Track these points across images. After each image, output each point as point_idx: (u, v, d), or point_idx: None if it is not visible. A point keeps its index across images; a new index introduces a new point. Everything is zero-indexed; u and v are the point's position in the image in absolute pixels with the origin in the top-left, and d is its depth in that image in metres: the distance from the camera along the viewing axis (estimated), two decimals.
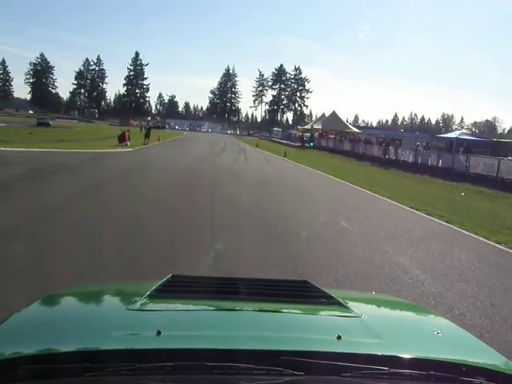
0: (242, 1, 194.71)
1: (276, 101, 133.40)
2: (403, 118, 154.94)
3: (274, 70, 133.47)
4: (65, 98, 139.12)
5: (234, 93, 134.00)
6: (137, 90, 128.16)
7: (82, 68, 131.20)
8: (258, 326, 1.35)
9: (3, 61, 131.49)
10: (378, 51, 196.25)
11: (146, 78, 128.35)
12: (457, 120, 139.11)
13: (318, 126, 61.07)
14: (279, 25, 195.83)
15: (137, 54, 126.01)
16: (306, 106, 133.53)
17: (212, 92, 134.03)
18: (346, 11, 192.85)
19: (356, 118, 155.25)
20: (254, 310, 1.48)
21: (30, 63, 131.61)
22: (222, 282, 2.08)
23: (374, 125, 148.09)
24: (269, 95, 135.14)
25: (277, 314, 1.49)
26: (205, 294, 1.64)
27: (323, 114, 64.89)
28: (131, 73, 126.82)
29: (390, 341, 1.32)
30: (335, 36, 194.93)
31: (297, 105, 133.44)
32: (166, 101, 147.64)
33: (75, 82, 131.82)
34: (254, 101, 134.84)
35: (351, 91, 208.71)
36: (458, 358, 1.22)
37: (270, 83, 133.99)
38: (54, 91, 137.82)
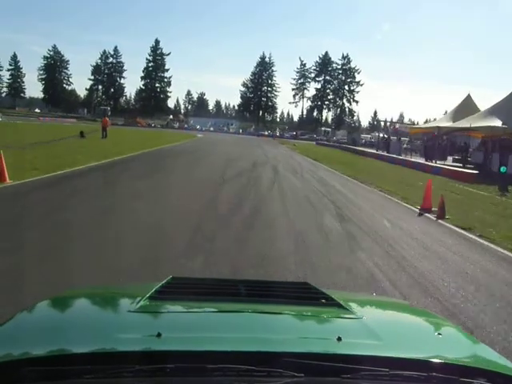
0: (275, 3, 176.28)
1: (320, 95, 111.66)
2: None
3: (318, 59, 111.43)
4: (82, 96, 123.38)
5: (271, 85, 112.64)
6: (157, 84, 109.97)
7: (99, 61, 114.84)
8: (258, 328, 1.36)
9: (14, 55, 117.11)
10: (410, 53, 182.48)
11: (167, 70, 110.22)
12: None
13: (448, 123, 33.98)
14: (312, 27, 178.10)
15: (157, 42, 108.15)
16: (356, 102, 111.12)
17: (244, 85, 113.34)
18: (379, 14, 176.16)
19: (401, 116, 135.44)
20: (254, 312, 1.48)
21: (43, 57, 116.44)
22: (223, 283, 2.10)
23: (421, 123, 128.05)
24: (311, 89, 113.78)
25: (277, 315, 1.49)
26: (205, 296, 1.62)
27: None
28: (150, 64, 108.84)
29: (390, 342, 1.32)
30: (367, 38, 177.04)
31: (345, 100, 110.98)
32: (195, 99, 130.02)
33: (92, 78, 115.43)
34: (294, 95, 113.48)
35: (390, 92, 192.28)
36: (459, 360, 1.23)
37: (312, 75, 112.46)
38: (69, 88, 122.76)
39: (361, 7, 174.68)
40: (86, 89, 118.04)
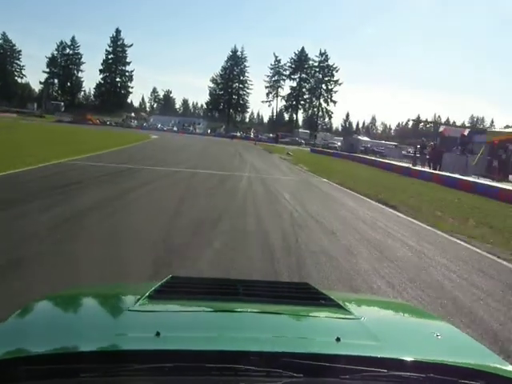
0: (250, 2, 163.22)
1: (295, 94, 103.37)
2: (426, 119, 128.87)
3: (294, 56, 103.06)
4: (37, 90, 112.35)
5: (243, 82, 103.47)
6: (117, 79, 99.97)
7: (56, 53, 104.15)
8: (257, 328, 1.36)
9: None
10: (385, 57, 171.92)
11: (128, 63, 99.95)
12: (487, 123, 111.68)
13: None
14: (287, 27, 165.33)
15: (117, 32, 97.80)
16: (334, 102, 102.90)
17: (213, 80, 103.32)
18: (353, 16, 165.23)
19: (373, 119, 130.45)
20: (254, 312, 1.48)
21: None
22: (222, 283, 2.07)
23: (393, 127, 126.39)
24: (286, 87, 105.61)
25: (276, 315, 1.49)
26: (204, 296, 1.63)
27: None
28: (110, 56, 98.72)
29: (390, 343, 1.32)
30: (341, 40, 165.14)
31: (322, 100, 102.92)
32: (161, 96, 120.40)
33: (47, 70, 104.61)
34: (268, 94, 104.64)
35: (363, 95, 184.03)
36: (458, 361, 1.22)
37: (287, 72, 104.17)
38: (21, 81, 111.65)
39: (338, 8, 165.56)
40: (41, 82, 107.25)
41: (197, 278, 2.48)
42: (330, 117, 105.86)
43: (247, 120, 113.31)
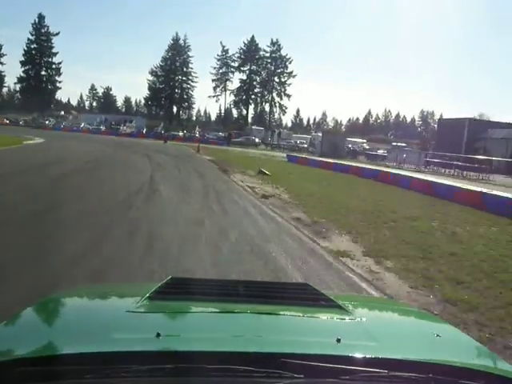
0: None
1: (246, 88, 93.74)
2: (377, 115, 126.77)
3: (243, 46, 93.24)
4: None
5: (186, 74, 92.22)
6: (42, 72, 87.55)
7: None
8: (257, 329, 1.37)
9: None
10: (334, 49, 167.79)
11: (55, 54, 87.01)
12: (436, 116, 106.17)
13: None
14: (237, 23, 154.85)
15: (41, 18, 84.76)
16: (288, 96, 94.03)
17: (153, 72, 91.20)
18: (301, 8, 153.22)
19: (324, 115, 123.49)
20: (254, 313, 1.49)
21: None
22: (222, 284, 2.12)
23: (344, 123, 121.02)
24: (235, 80, 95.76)
25: (276, 316, 1.51)
26: (204, 297, 1.64)
27: None
28: (33, 46, 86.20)
29: (390, 344, 1.34)
30: (290, 32, 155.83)
31: (275, 93, 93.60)
32: (101, 94, 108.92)
33: None
34: (215, 87, 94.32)
35: (314, 91, 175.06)
36: (458, 361, 1.23)
37: (236, 64, 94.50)
38: None
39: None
40: None
41: (197, 279, 2.52)
42: (284, 112, 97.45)
43: (194, 118, 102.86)
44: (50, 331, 1.35)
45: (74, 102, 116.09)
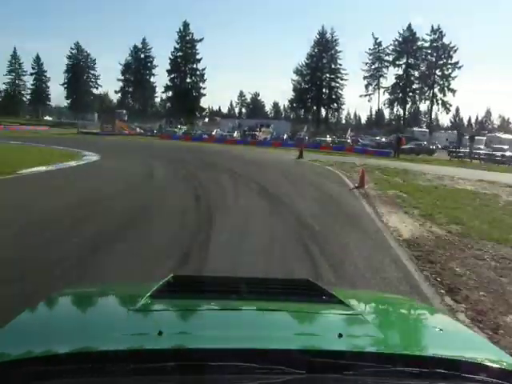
0: None
1: (402, 84, 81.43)
2: None
3: (398, 36, 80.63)
4: (115, 100, 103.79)
5: (334, 72, 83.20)
6: (188, 80, 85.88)
7: (130, 58, 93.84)
8: (259, 326, 1.39)
9: (37, 57, 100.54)
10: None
11: (199, 61, 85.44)
12: None
13: None
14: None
15: (185, 26, 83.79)
16: (453, 92, 78.42)
17: (297, 71, 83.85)
18: None
19: (488, 113, 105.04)
20: (256, 309, 1.52)
21: (66, 56, 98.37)
22: (224, 281, 2.10)
23: None
24: (390, 76, 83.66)
25: (278, 312, 1.51)
26: (206, 294, 1.66)
27: None
28: (178, 54, 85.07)
29: (392, 338, 1.37)
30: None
31: (437, 89, 79.06)
32: (249, 100, 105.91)
33: (122, 78, 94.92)
34: (367, 86, 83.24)
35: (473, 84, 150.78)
36: (460, 355, 1.24)
37: (391, 57, 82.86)
38: (97, 92, 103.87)
39: None
40: (116, 91, 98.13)
41: (198, 277, 2.53)
42: (448, 110, 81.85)
43: (343, 121, 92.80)
44: (53, 331, 1.34)
45: (224, 109, 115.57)
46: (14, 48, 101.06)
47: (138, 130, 61.52)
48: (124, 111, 77.10)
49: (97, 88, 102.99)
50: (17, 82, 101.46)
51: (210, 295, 1.64)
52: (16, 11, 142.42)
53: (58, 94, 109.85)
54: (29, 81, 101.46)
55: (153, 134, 57.70)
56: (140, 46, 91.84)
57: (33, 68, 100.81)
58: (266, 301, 1.58)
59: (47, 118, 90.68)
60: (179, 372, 1.05)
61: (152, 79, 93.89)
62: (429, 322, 1.76)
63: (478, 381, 1.12)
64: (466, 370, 1.13)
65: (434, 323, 1.70)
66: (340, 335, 1.22)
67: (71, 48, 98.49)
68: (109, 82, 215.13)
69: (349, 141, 49.22)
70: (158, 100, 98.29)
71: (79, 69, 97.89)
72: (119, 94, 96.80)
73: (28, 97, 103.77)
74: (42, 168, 16.26)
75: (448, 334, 1.51)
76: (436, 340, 1.43)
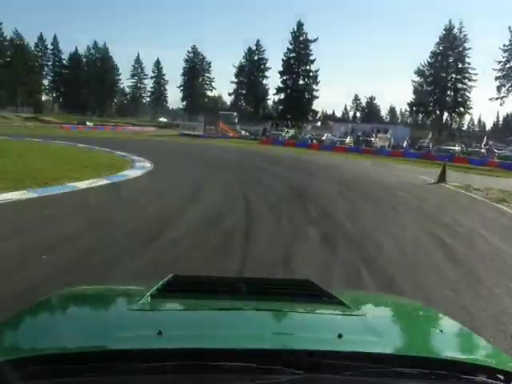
0: None
1: None
2: None
3: None
4: (228, 103, 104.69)
5: (462, 72, 75.18)
6: (300, 82, 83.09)
7: (243, 60, 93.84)
8: (259, 326, 1.38)
9: (157, 61, 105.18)
10: None
11: (312, 62, 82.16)
12: None
13: None
14: None
15: (299, 26, 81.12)
16: None
17: (419, 72, 76.89)
18: None
19: None
20: (256, 310, 1.51)
21: (184, 60, 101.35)
22: (224, 281, 2.11)
23: None
24: None
25: (278, 313, 1.51)
26: (206, 294, 1.65)
27: None
28: (291, 55, 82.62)
29: (392, 339, 1.37)
30: None
31: None
32: (364, 104, 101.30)
33: (235, 80, 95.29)
34: (499, 87, 73.57)
35: None
36: (460, 356, 1.26)
37: None
38: (211, 94, 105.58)
39: None
40: (229, 93, 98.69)
41: (198, 277, 2.51)
42: None
43: (465, 127, 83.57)
44: (53, 330, 1.33)
45: (338, 114, 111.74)
46: (138, 53, 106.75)
47: (243, 132, 59.52)
48: (234, 113, 76.18)
49: (211, 90, 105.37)
50: (138, 85, 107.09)
51: (209, 295, 1.63)
52: (137, 21, 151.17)
53: (174, 96, 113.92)
54: (149, 84, 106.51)
55: (256, 137, 54.81)
56: (254, 47, 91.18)
57: (153, 72, 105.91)
58: (266, 301, 1.57)
59: (162, 119, 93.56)
60: (179, 372, 1.04)
61: (264, 81, 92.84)
62: (429, 323, 1.75)
63: (479, 382, 1.12)
64: (466, 372, 1.13)
65: (434, 324, 1.70)
66: (340, 336, 1.22)
67: (188, 52, 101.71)
68: (223, 85, 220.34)
69: (483, 151, 40.54)
70: (269, 102, 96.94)
71: (195, 72, 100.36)
72: (232, 96, 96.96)
73: (147, 99, 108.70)
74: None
75: (448, 335, 1.51)
76: (436, 341, 1.43)
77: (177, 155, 25.40)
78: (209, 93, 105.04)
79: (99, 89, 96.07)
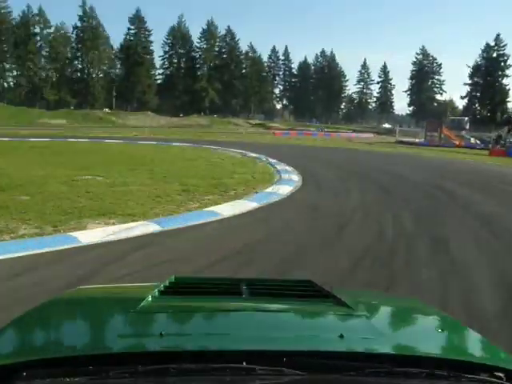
0: None
1: None
2: None
3: None
4: (460, 107, 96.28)
5: None
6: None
7: (479, 59, 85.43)
8: (260, 326, 1.37)
9: (384, 66, 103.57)
10: None
11: None
12: None
13: None
14: None
15: None
16: None
17: None
18: None
19: None
20: (257, 311, 1.50)
21: (412, 63, 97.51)
22: (225, 282, 2.08)
23: None
24: None
25: (279, 313, 1.52)
26: (207, 295, 1.65)
27: None
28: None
29: (393, 339, 1.35)
30: None
31: None
32: None
33: (469, 82, 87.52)
34: None
35: None
36: (462, 356, 1.25)
37: None
38: (441, 98, 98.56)
39: None
40: (462, 97, 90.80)
41: (200, 278, 2.47)
42: None
43: None
44: (54, 333, 1.35)
45: None
46: (364, 59, 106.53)
47: (471, 140, 52.43)
48: (466, 118, 68.35)
49: (441, 94, 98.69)
50: (364, 90, 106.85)
51: (211, 296, 1.63)
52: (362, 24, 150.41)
53: (401, 102, 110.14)
54: (375, 89, 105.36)
55: (486, 146, 46.94)
56: (492, 43, 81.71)
57: (379, 76, 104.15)
58: (267, 302, 1.57)
59: (385, 125, 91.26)
60: (180, 373, 1.03)
61: (504, 81, 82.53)
62: (430, 323, 1.72)
63: (480, 381, 1.11)
64: (468, 371, 1.12)
65: (435, 323, 1.68)
66: (341, 336, 1.22)
67: (416, 53, 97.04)
68: (455, 87, 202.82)
69: None
70: (510, 105, 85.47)
71: (423, 74, 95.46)
72: (465, 100, 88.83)
73: (373, 104, 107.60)
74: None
75: (449, 335, 1.51)
76: (438, 340, 1.42)
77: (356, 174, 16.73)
78: (438, 97, 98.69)
79: (326, 95, 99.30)
